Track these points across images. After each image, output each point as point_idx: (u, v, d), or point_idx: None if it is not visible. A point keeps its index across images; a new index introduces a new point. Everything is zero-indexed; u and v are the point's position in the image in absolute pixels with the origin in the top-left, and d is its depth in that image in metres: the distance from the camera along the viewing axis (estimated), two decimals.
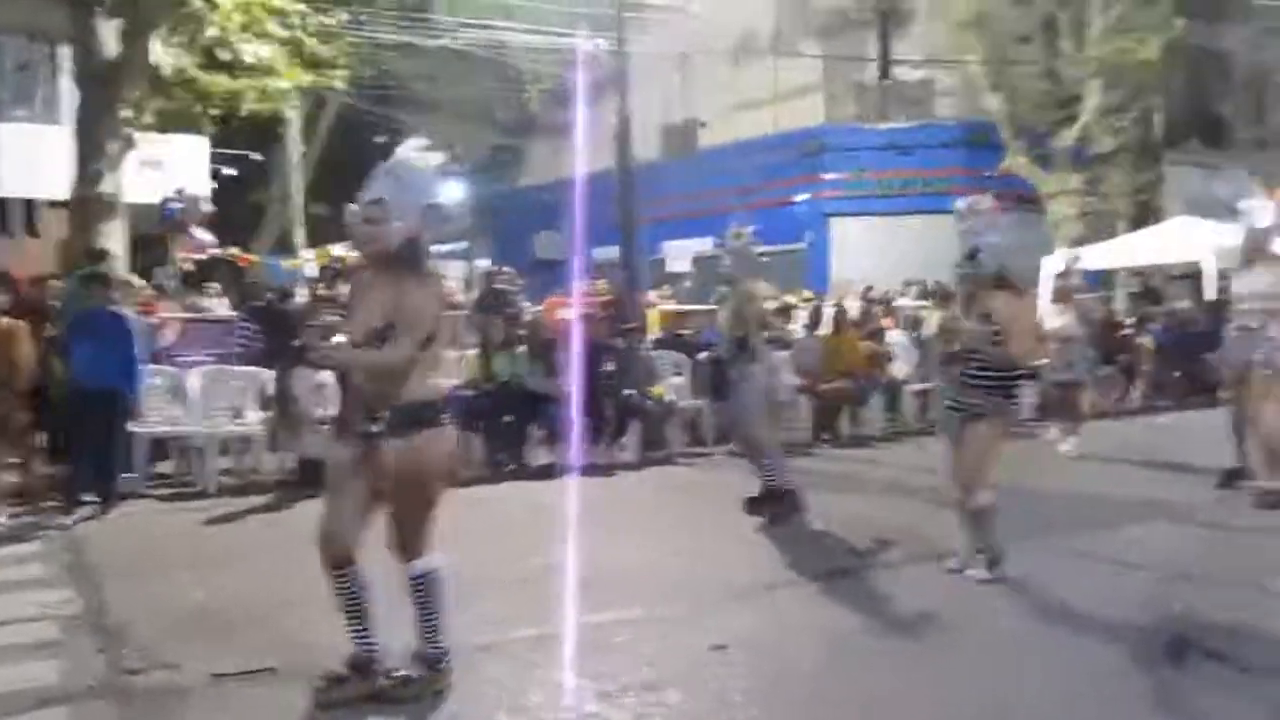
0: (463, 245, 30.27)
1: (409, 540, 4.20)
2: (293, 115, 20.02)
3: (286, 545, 6.92)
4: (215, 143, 18.72)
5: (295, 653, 4.75)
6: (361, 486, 4.16)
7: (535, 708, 4.23)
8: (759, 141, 23.68)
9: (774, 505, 7.46)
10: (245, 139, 20.45)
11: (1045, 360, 10.07)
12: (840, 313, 12.52)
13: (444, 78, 25.06)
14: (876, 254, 21.26)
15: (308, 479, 8.82)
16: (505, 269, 13.18)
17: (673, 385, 10.90)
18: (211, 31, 11.82)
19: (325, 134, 24.46)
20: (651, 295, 16.36)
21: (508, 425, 9.68)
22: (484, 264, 27.56)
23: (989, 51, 19.76)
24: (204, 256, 12.36)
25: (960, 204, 6.08)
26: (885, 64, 23.54)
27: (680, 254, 24.12)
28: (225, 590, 5.89)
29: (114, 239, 12.48)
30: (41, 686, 4.46)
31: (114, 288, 8.91)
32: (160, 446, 9.45)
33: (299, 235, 22.70)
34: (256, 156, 22.04)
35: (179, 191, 11.49)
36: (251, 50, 12.19)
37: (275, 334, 10.61)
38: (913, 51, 22.63)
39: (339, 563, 4.18)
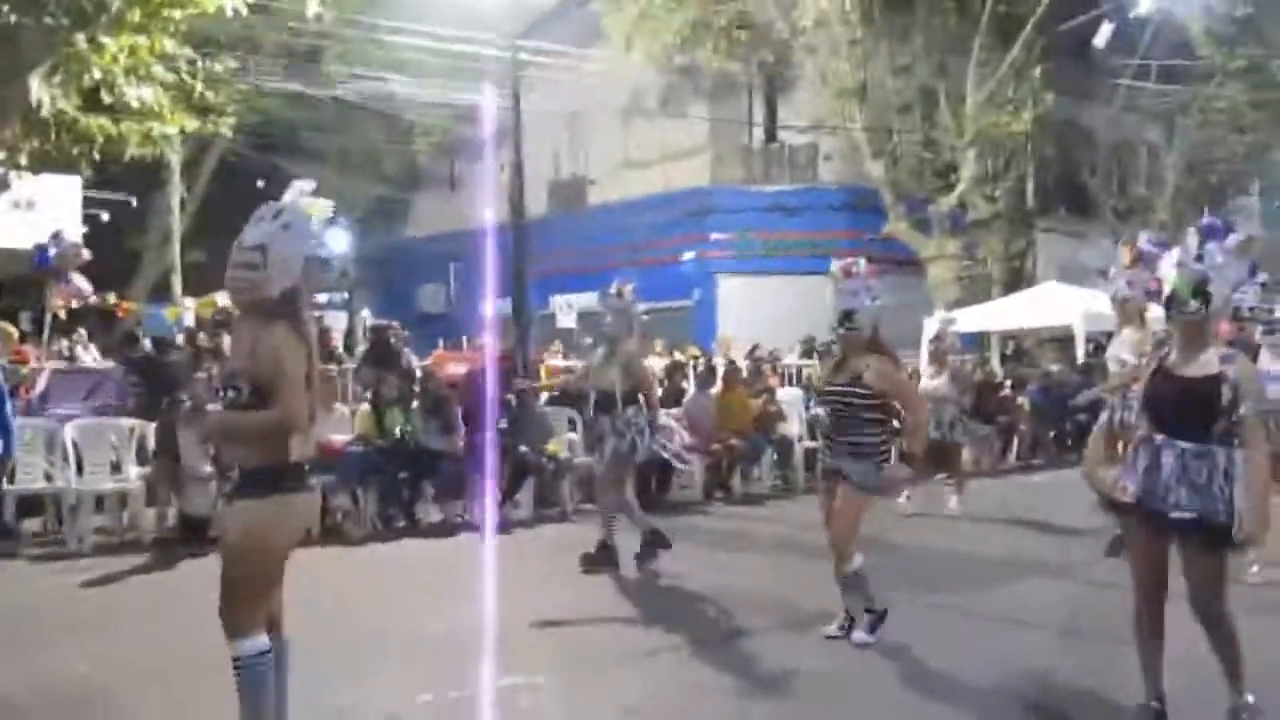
0: (345, 296, 29.94)
1: (230, 614, 3.80)
2: (173, 159, 19.48)
3: (170, 606, 6.72)
4: (88, 184, 18.13)
5: None
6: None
7: None
8: (646, 200, 23.98)
9: (607, 559, 7.73)
10: (119, 182, 19.84)
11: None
12: (731, 369, 12.66)
13: (331, 127, 24.79)
14: (762, 313, 21.61)
15: (189, 536, 8.54)
16: (393, 322, 12.99)
17: (567, 441, 10.84)
18: (95, 73, 11.43)
19: (206, 180, 23.87)
20: (542, 351, 16.33)
21: (401, 482, 9.49)
22: (366, 315, 27.25)
23: (871, 119, 20.44)
24: (77, 305, 11.88)
25: (835, 267, 6.04)
26: (771, 128, 24.14)
27: (568, 309, 24.22)
28: (108, 659, 5.58)
29: None
30: None
31: None
32: (27, 503, 9.00)
33: (176, 283, 22.01)
34: (131, 200, 21.37)
35: (55, 235, 11.05)
36: (135, 94, 11.82)
37: (154, 386, 10.26)
38: (798, 117, 23.27)
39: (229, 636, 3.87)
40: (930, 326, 17.84)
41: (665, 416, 11.29)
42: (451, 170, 29.23)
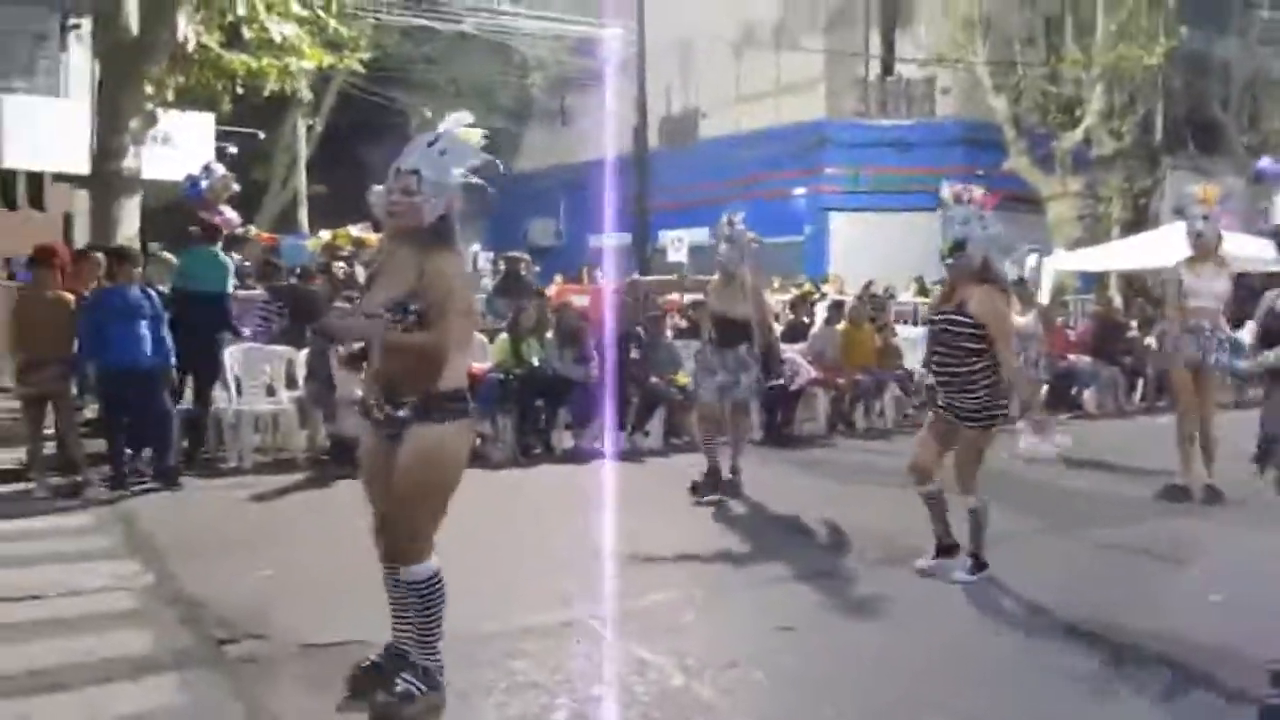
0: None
1: (413, 540, 3.91)
2: (301, 94, 19.96)
3: (336, 521, 7.08)
4: (218, 119, 18.69)
5: (377, 625, 4.87)
6: (385, 474, 3.93)
7: (619, 682, 4.37)
8: (759, 134, 23.85)
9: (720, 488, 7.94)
10: (245, 116, 20.39)
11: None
12: (857, 306, 12.68)
13: (445, 60, 25.05)
14: (874, 250, 21.45)
15: (341, 457, 8.94)
16: (524, 254, 13.24)
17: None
18: (239, 10, 11.80)
19: (327, 114, 24.40)
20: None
21: (537, 409, 9.78)
22: (476, 248, 27.69)
23: (993, 52, 19.98)
24: (226, 234, 12.33)
25: (946, 191, 5.92)
26: (888, 61, 23.73)
27: (679, 244, 24.31)
28: (289, 565, 5.98)
29: (131, 214, 12.50)
30: (134, 655, 4.55)
31: (137, 264, 8.86)
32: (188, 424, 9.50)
33: (302, 214, 22.67)
34: (258, 134, 21.98)
35: (205, 167, 11.47)
36: (276, 30, 12.18)
37: (298, 314, 10.66)
38: (916, 49, 22.83)
39: (386, 560, 4.05)
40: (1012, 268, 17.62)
41: (787, 349, 11.54)
42: (562, 104, 29.35)
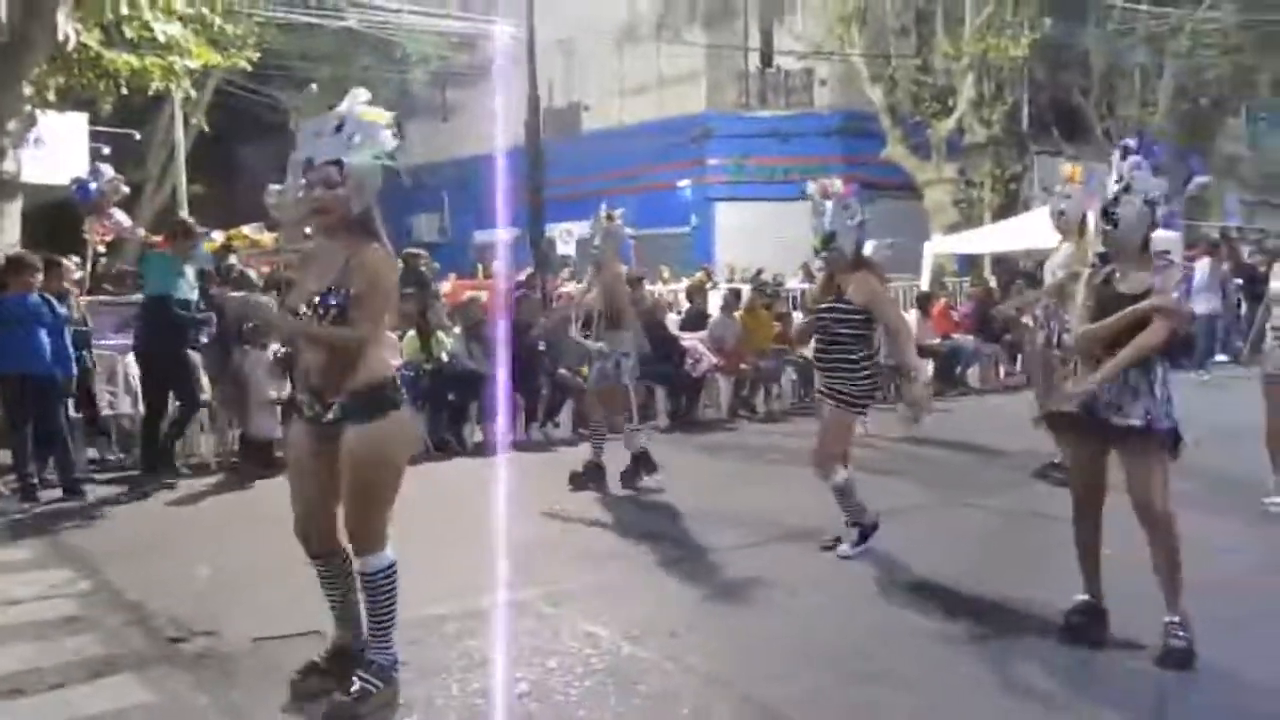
0: None
1: (364, 532, 3.87)
2: (177, 93, 19.54)
3: (261, 521, 7.11)
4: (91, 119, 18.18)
5: (324, 617, 4.99)
6: (325, 472, 3.87)
7: (571, 653, 4.59)
8: (642, 126, 24.17)
9: (595, 477, 8.08)
10: (116, 115, 19.87)
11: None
12: (753, 295, 13.06)
13: (325, 57, 24.68)
14: (759, 238, 21.97)
15: (256, 459, 8.93)
16: (421, 250, 13.26)
17: None
18: (121, 8, 11.56)
19: (203, 111, 23.85)
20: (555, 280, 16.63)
21: (448, 404, 9.88)
22: None
23: (868, 44, 20.66)
24: (113, 238, 12.08)
25: (812, 187, 6.03)
26: (767, 53, 24.28)
27: (569, 237, 24.46)
28: (224, 565, 6.02)
29: (13, 219, 12.14)
30: (91, 658, 4.58)
31: (36, 271, 8.69)
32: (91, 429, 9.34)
33: (182, 215, 22.06)
34: (134, 134, 21.38)
35: (93, 170, 11.24)
36: (161, 29, 11.97)
37: None
38: (794, 42, 23.42)
39: (317, 553, 4.03)
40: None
41: (688, 337, 11.85)
42: (443, 98, 29.22)
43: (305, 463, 3.95)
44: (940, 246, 18.65)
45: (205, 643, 4.78)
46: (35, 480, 8.03)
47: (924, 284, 17.39)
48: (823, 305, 5.99)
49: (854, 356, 5.89)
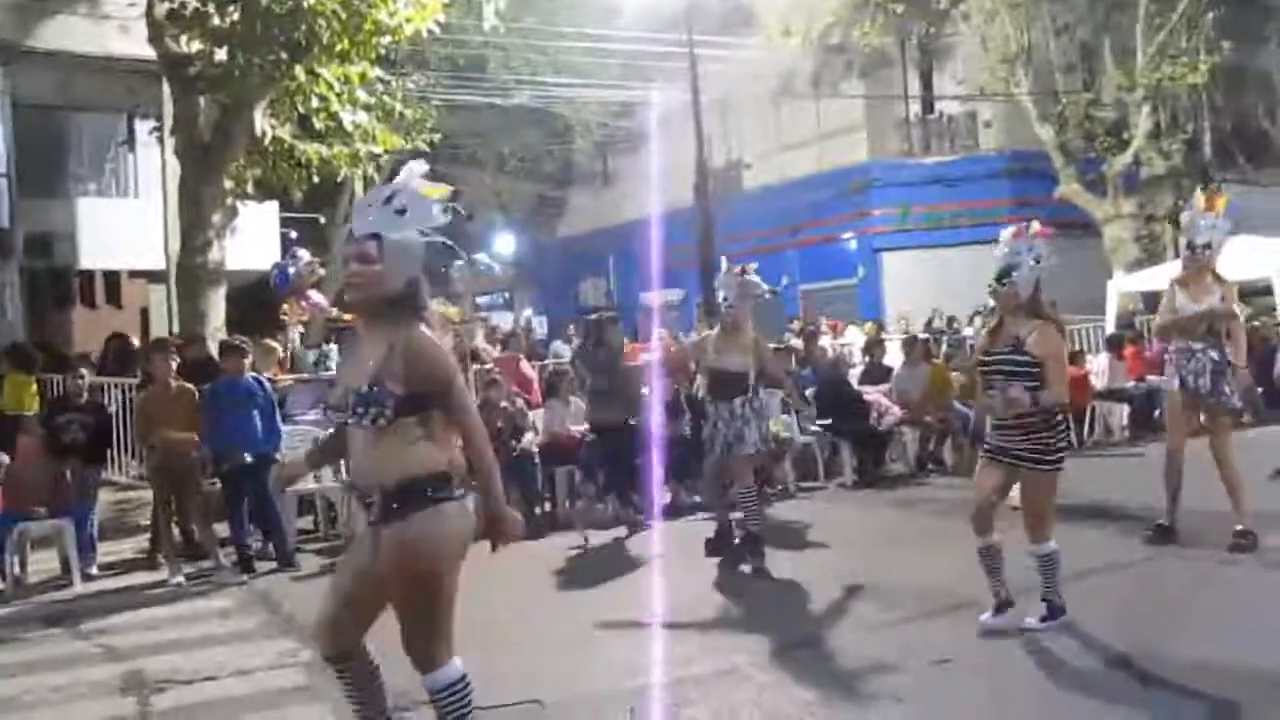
0: (506, 295, 30.88)
1: (420, 645, 3.52)
2: (358, 178, 20.55)
3: (473, 587, 7.30)
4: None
5: (543, 687, 5.06)
6: (363, 572, 3.56)
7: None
8: (805, 180, 24.12)
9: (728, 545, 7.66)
10: (300, 201, 21.00)
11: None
12: (924, 343, 12.80)
13: (490, 132, 25.58)
14: (929, 286, 21.56)
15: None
16: (612, 314, 13.43)
17: (784, 421, 11.12)
18: (312, 101, 12.25)
19: None
20: None
21: (633, 468, 9.94)
22: (529, 314, 28.03)
23: (1034, 83, 20.16)
24: (308, 318, 12.68)
25: (1004, 233, 5.62)
26: (928, 99, 23.99)
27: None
28: None
29: (218, 305, 12.89)
30: None
31: (247, 355, 9.21)
32: (301, 503, 9.78)
33: None
34: (319, 218, 22.54)
35: (292, 254, 11.84)
36: (349, 118, 12.61)
37: None
38: (955, 86, 23.08)
39: (336, 657, 3.71)
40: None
41: (869, 391, 11.65)
42: (605, 166, 29.85)
43: (350, 558, 3.71)
44: (1124, 285, 17.90)
45: (430, 713, 4.86)
46: (252, 552, 8.44)
47: (1110, 325, 16.70)
48: (997, 355, 5.48)
49: (1034, 412, 5.30)
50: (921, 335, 14.25)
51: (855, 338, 16.83)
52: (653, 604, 6.49)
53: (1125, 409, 13.42)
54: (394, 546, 3.42)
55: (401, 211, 3.49)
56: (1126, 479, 9.85)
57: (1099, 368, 13.69)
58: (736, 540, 7.68)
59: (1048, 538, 5.47)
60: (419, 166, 3.69)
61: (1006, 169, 22.55)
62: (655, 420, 9.73)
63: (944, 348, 12.66)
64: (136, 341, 15.14)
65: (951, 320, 18.79)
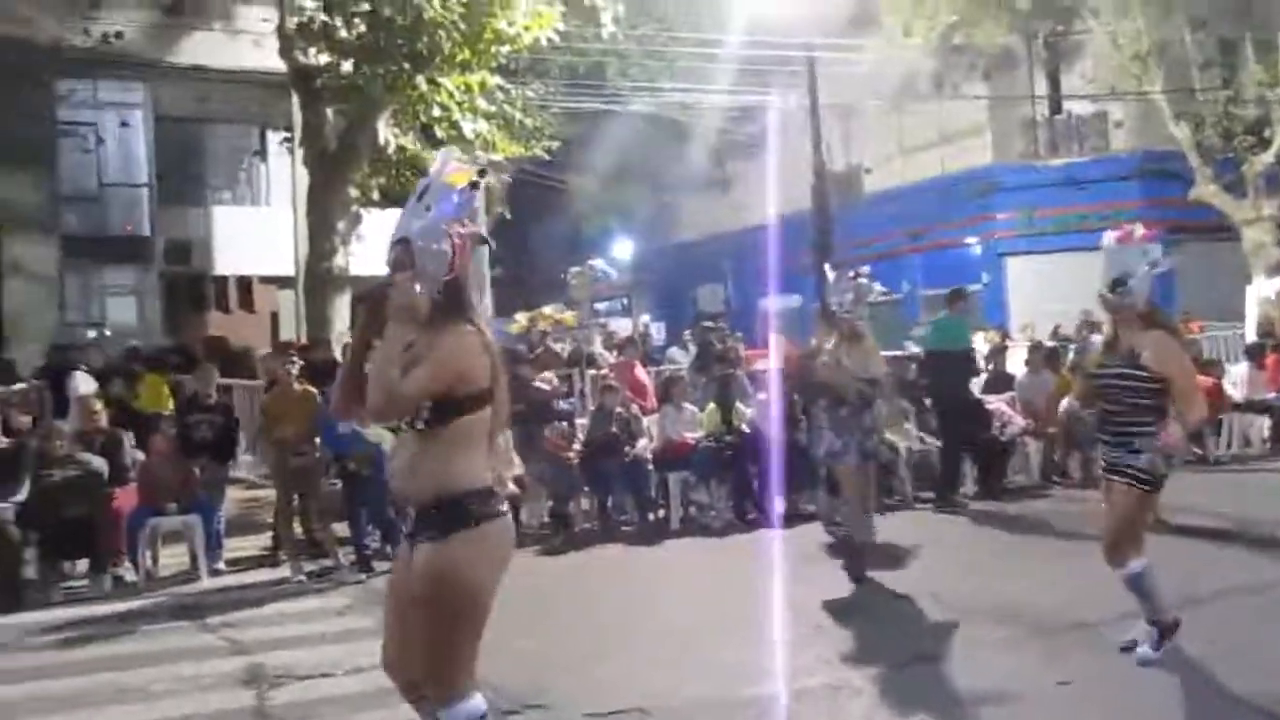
0: (624, 301, 31.04)
1: (440, 673, 3.25)
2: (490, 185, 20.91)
3: (587, 593, 7.35)
4: None
5: (650, 692, 5.04)
6: (404, 595, 3.34)
7: None
8: (927, 184, 23.68)
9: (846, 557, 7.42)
10: None
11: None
12: (1049, 350, 12.41)
13: (608, 139, 25.75)
14: (1055, 292, 20.90)
15: (565, 527, 9.25)
16: (719, 323, 13.43)
17: (905, 430, 10.90)
18: (434, 111, 12.50)
19: (504, 200, 25.35)
20: None
21: (750, 474, 9.86)
22: (645, 319, 28.11)
23: (1169, 80, 19.41)
24: None
25: (1108, 237, 5.37)
26: (1056, 100, 23.31)
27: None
28: (546, 635, 6.21)
29: (342, 311, 13.24)
30: None
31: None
32: None
33: (488, 299, 23.55)
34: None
35: None
36: (470, 127, 12.83)
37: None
38: (1084, 85, 22.36)
39: (405, 688, 3.47)
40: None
41: (992, 400, 11.33)
42: (723, 172, 29.77)
43: (394, 580, 3.47)
44: (1264, 290, 17.09)
45: (536, 717, 4.90)
46: (370, 551, 8.61)
47: (1250, 333, 15.97)
48: (1110, 370, 5.23)
49: (1152, 429, 5.07)
50: (1048, 342, 13.81)
51: (978, 345, 16.40)
52: (764, 613, 6.40)
53: (1266, 421, 12.78)
54: (426, 564, 3.19)
55: (429, 208, 3.33)
56: (1266, 496, 9.40)
57: (1237, 377, 13.07)
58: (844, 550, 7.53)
59: (1129, 558, 5.16)
60: (451, 153, 3.58)
61: (1138, 170, 21.76)
62: (771, 427, 9.64)
63: (1070, 355, 12.20)
64: (268, 346, 15.67)
65: (1089, 326, 18.13)
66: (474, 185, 3.38)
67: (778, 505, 9.59)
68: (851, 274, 7.58)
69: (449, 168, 3.38)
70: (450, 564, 3.15)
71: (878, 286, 7.93)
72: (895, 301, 21.44)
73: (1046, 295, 21.10)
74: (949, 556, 8.23)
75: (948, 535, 9.01)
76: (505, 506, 3.36)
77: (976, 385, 11.57)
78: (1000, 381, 11.80)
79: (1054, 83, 23.37)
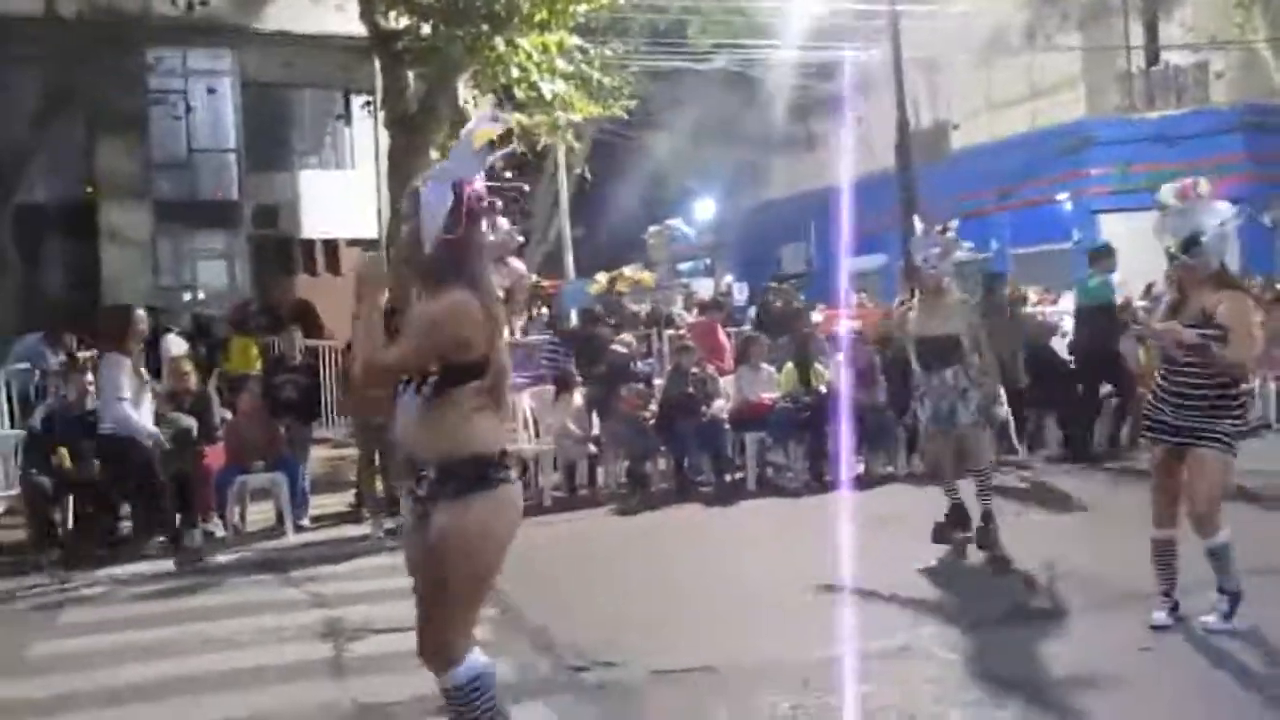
0: (706, 262, 30.91)
1: (431, 639, 3.21)
2: (561, 145, 20.93)
3: (656, 552, 7.37)
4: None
5: (719, 651, 5.04)
6: (420, 565, 3.24)
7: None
8: (1017, 139, 23.07)
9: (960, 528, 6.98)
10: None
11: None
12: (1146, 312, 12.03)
13: (690, 98, 25.55)
14: (1151, 251, 20.24)
15: (641, 487, 9.29)
16: (782, 285, 13.32)
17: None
18: (513, 72, 12.49)
19: (584, 159, 25.38)
20: None
21: (827, 435, 9.77)
22: (729, 279, 27.99)
23: (1274, 29, 18.62)
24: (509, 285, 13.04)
25: (1167, 191, 5.13)
26: (1153, 50, 22.50)
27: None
28: (621, 594, 6.25)
29: None
30: (503, 682, 4.81)
31: None
32: None
33: (568, 259, 23.69)
34: (523, 186, 23.04)
35: (490, 225, 12.22)
36: (548, 88, 12.80)
37: (583, 356, 11.11)
38: (1184, 35, 21.54)
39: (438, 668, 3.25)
40: None
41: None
42: (807, 130, 29.35)
43: (411, 553, 3.30)
44: None
45: (606, 673, 4.94)
46: None
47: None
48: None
49: (1232, 390, 4.93)
50: (1139, 303, 13.38)
51: (1069, 305, 15.96)
52: (836, 575, 6.34)
53: None
54: (441, 529, 3.09)
55: (445, 165, 3.25)
56: None
57: None
58: (976, 524, 6.95)
59: (1218, 527, 4.96)
60: (484, 111, 3.44)
61: (1240, 123, 20.89)
62: (847, 387, 9.54)
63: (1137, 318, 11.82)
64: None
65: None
66: (493, 145, 3.24)
67: (854, 467, 9.50)
68: (940, 228, 7.39)
69: (480, 126, 3.26)
70: (459, 524, 3.07)
71: (966, 244, 7.64)
72: (984, 259, 21.04)
73: (1140, 253, 20.45)
74: (1033, 518, 8.04)
75: (1032, 497, 8.79)
76: (515, 474, 3.26)
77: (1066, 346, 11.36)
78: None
79: (1151, 32, 22.54)
